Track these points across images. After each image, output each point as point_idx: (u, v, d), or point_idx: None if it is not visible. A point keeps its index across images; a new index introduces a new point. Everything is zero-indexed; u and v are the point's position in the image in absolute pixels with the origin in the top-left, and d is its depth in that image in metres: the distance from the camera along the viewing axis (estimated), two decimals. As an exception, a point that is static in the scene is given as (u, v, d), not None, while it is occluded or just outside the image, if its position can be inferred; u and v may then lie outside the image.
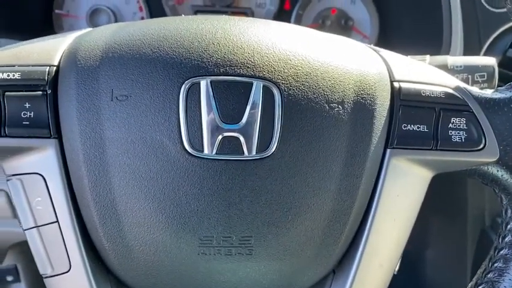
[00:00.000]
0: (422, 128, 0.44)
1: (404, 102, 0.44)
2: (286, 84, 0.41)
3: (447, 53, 0.74)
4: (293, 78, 0.41)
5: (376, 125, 0.43)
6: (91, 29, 0.51)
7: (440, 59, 0.60)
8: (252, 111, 0.40)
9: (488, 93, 0.46)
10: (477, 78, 0.58)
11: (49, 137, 0.41)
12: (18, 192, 0.42)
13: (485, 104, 0.45)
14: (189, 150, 0.40)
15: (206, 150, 0.40)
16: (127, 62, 0.41)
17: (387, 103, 0.44)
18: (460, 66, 0.58)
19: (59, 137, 0.41)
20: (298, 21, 0.92)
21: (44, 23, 0.86)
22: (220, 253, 0.42)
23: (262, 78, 0.41)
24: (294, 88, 0.41)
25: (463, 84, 0.46)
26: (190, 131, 0.40)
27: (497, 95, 0.45)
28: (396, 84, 0.45)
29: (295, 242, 0.43)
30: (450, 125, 0.44)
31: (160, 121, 0.40)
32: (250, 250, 0.42)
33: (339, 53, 0.44)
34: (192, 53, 0.41)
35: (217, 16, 0.47)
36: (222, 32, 0.42)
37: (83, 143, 0.40)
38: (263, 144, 0.40)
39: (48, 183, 0.42)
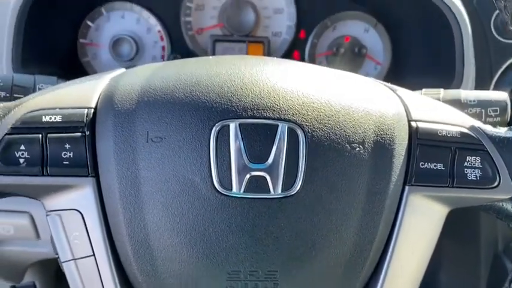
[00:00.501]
0: (439, 166, 0.46)
1: (422, 142, 0.47)
2: (310, 126, 0.43)
3: (459, 83, 0.76)
4: (316, 120, 0.44)
5: (395, 163, 0.46)
6: (124, 69, 0.54)
7: (453, 93, 0.62)
8: (278, 151, 0.43)
9: (502, 131, 0.48)
10: (490, 112, 0.60)
11: (87, 176, 0.44)
12: (57, 227, 0.45)
13: (499, 142, 0.47)
14: (218, 189, 0.42)
15: (234, 189, 0.42)
16: (161, 106, 0.44)
17: (405, 142, 0.46)
18: (473, 101, 0.60)
19: (96, 175, 0.44)
20: (313, 49, 0.94)
21: (69, 52, 0.89)
22: (247, 287, 0.44)
23: (287, 121, 0.43)
24: (317, 129, 0.44)
25: (477, 123, 0.48)
26: (220, 170, 0.42)
27: (511, 134, 0.48)
28: (414, 124, 0.47)
29: (318, 275, 0.45)
30: (466, 163, 0.46)
31: (192, 161, 0.42)
32: (275, 284, 0.44)
33: (359, 94, 0.47)
34: (222, 97, 0.43)
35: (244, 59, 0.49)
36: (250, 76, 0.45)
37: (119, 181, 0.43)
38: (288, 183, 0.43)
39: (85, 219, 0.44)
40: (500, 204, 0.48)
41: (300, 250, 0.44)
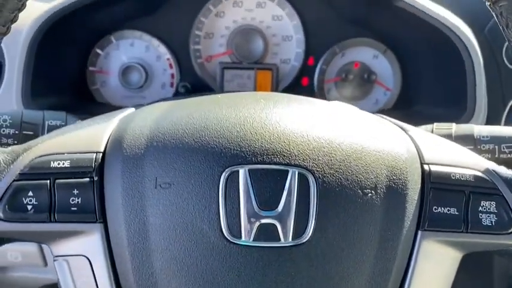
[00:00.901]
0: (453, 210, 0.45)
1: (435, 185, 0.46)
2: (321, 171, 0.43)
3: (471, 115, 0.75)
4: (327, 165, 0.43)
5: (408, 208, 0.45)
6: (132, 109, 0.54)
7: (466, 128, 0.61)
8: (288, 198, 0.42)
9: None
10: (504, 149, 0.59)
11: (95, 222, 0.43)
12: (64, 272, 0.44)
13: None
14: (227, 237, 0.41)
15: (244, 237, 0.42)
16: (170, 151, 0.43)
17: (418, 186, 0.46)
18: (487, 137, 0.59)
19: (104, 221, 0.43)
20: (322, 76, 0.94)
21: (78, 80, 0.90)
22: None
23: (297, 166, 0.42)
24: (328, 175, 0.43)
25: (492, 165, 0.47)
26: (229, 218, 0.42)
27: None
28: (426, 167, 0.46)
29: None
30: (480, 208, 0.45)
31: (201, 208, 0.42)
32: None
33: (371, 137, 0.46)
34: (231, 142, 0.43)
35: (254, 100, 0.49)
36: (259, 120, 0.44)
37: (127, 228, 0.43)
38: (299, 231, 0.42)
39: (93, 264, 0.44)
40: None
41: None
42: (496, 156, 0.59)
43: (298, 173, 0.42)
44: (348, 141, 0.45)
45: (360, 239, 0.43)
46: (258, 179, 0.42)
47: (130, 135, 0.45)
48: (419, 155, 0.47)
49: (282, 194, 0.42)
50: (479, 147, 0.59)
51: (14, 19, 0.43)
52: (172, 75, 0.92)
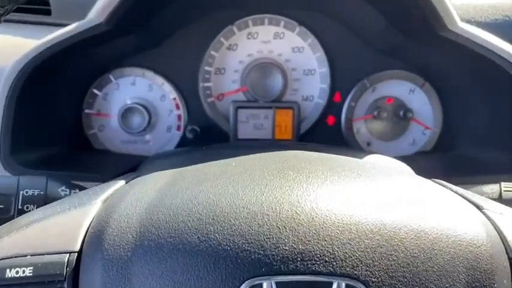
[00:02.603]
0: None
1: None
2: (378, 282, 0.30)
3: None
4: (386, 273, 0.31)
5: None
6: (123, 182, 0.42)
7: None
8: None
9: None
10: None
11: None
12: None
13: None
14: None
15: None
16: (167, 255, 0.31)
17: None
18: None
19: None
20: (350, 114, 0.82)
21: (72, 125, 0.79)
22: None
23: (344, 276, 0.30)
24: (388, 286, 0.31)
25: None
26: None
27: None
28: None
29: None
30: None
31: None
32: None
33: (442, 227, 0.34)
34: (251, 242, 0.31)
35: (282, 175, 0.37)
36: (289, 208, 0.32)
37: None
38: None
39: None
40: None
41: None
42: None
43: (346, 286, 0.30)
44: (412, 237, 0.32)
45: None
46: None
47: (114, 228, 0.34)
48: (504, 245, 0.35)
49: None
50: None
51: None
52: (179, 117, 0.81)
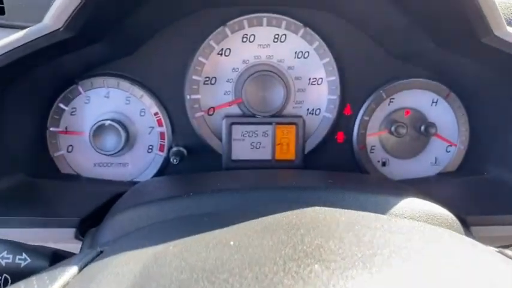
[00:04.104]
0: None
1: None
2: None
3: None
4: None
5: None
6: (75, 270, 0.30)
7: None
8: None
9: None
10: None
11: None
12: None
13: None
14: None
15: None
16: None
17: None
18: None
19: None
20: (364, 129, 0.70)
21: (36, 146, 0.66)
22: None
23: None
24: None
25: None
26: None
27: None
28: None
29: None
30: None
31: None
32: None
33: None
34: None
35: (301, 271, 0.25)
36: None
37: None
38: None
39: None
40: None
41: None
42: None
43: None
44: None
45: None
46: None
47: None
48: None
49: None
50: None
51: None
52: (162, 135, 0.69)
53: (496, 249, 0.35)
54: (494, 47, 0.54)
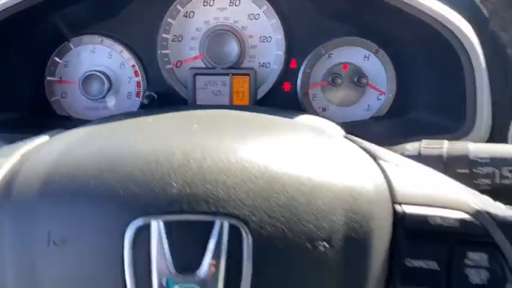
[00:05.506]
0: (432, 265, 0.35)
1: (409, 233, 0.36)
2: (258, 221, 0.33)
3: (470, 127, 0.65)
4: (266, 212, 0.34)
5: (373, 263, 0.35)
6: (47, 137, 0.45)
7: (460, 147, 0.51)
8: (214, 257, 0.33)
9: None
10: (506, 173, 0.48)
11: None
12: None
13: None
14: None
15: (158, 308, 0.32)
16: (67, 198, 0.34)
17: (387, 234, 0.36)
18: (485, 158, 0.49)
19: None
20: (306, 80, 0.84)
21: (36, 91, 0.82)
22: None
23: (226, 215, 0.33)
24: (267, 225, 0.33)
25: (485, 206, 0.37)
26: (138, 285, 0.33)
27: None
28: (399, 208, 0.37)
29: None
30: (467, 261, 0.35)
31: (102, 271, 0.33)
32: None
33: (327, 174, 0.36)
34: (142, 186, 0.34)
35: (187, 122, 0.40)
36: (181, 157, 0.35)
37: None
38: None
39: None
40: None
41: None
42: (497, 181, 0.48)
43: (228, 225, 0.33)
44: (296, 181, 0.35)
45: None
46: (175, 233, 0.33)
47: (24, 176, 0.36)
48: (390, 192, 0.37)
49: (206, 252, 0.33)
50: (475, 171, 0.49)
51: None
52: (139, 84, 0.83)
53: (344, 135, 0.49)
54: (398, 7, 0.67)
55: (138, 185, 0.34)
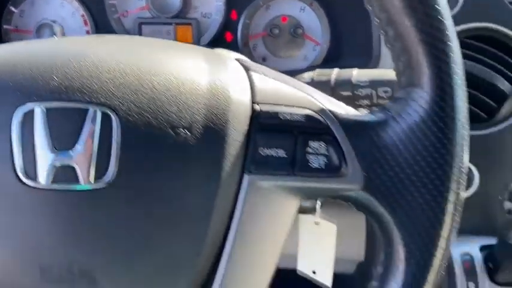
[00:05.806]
0: (281, 153, 0.42)
1: (263, 126, 0.42)
2: (126, 110, 0.40)
3: (377, 63, 0.71)
4: (134, 103, 0.40)
5: (230, 150, 0.41)
6: None
7: (345, 73, 0.57)
8: (89, 139, 0.39)
9: (358, 115, 0.43)
10: (381, 93, 0.54)
11: None
12: None
13: (350, 127, 0.42)
14: (23, 180, 0.39)
15: (41, 180, 0.39)
16: None
17: (244, 127, 0.42)
18: (365, 82, 0.55)
19: None
20: (246, 31, 0.90)
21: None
22: (63, 284, 0.41)
23: (99, 104, 0.39)
24: (135, 114, 0.40)
25: (331, 106, 0.44)
26: (25, 160, 0.39)
27: (366, 118, 0.43)
28: (257, 107, 0.43)
29: (143, 273, 0.42)
30: (308, 149, 0.42)
31: None
32: (93, 282, 0.41)
33: (194, 75, 0.43)
34: (28, 79, 0.40)
35: (73, 40, 0.46)
36: (62, 56, 0.41)
37: None
38: (100, 173, 0.39)
39: None
40: (354, 194, 0.43)
41: (118, 246, 0.40)
42: (374, 101, 0.55)
43: (101, 112, 0.39)
44: (161, 77, 0.41)
45: (172, 182, 0.40)
46: (55, 117, 0.39)
47: None
48: (251, 94, 0.44)
49: (81, 134, 0.39)
50: (356, 93, 0.55)
51: None
52: (88, 33, 0.89)
53: (236, 58, 0.54)
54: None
55: (24, 78, 0.40)
